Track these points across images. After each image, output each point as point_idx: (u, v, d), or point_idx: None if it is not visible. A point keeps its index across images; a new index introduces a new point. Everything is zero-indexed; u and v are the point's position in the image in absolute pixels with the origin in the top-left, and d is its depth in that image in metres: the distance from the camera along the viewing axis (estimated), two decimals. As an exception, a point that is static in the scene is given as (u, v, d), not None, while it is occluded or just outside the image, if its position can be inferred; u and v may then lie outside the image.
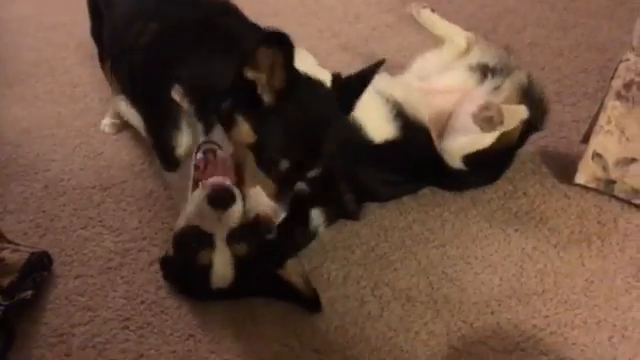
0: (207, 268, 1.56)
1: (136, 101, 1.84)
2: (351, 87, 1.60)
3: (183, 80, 1.63)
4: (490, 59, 2.10)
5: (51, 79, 2.59)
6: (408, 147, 1.91)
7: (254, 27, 1.75)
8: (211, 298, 1.63)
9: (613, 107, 1.90)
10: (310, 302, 1.64)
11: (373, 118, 1.90)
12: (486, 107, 1.77)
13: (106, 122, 2.30)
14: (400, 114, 1.92)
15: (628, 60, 1.85)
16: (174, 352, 1.56)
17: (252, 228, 1.56)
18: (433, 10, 2.29)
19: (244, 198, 1.57)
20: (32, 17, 3.05)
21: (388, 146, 1.89)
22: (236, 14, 1.85)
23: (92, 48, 2.61)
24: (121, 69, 1.90)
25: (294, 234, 1.76)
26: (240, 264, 1.57)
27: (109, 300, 1.68)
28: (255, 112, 1.50)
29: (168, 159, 1.80)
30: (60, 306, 1.66)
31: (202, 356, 1.54)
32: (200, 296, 1.64)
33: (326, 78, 1.57)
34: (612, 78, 1.90)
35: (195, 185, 1.61)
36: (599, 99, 2.15)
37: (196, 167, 1.62)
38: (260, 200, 1.54)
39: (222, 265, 1.56)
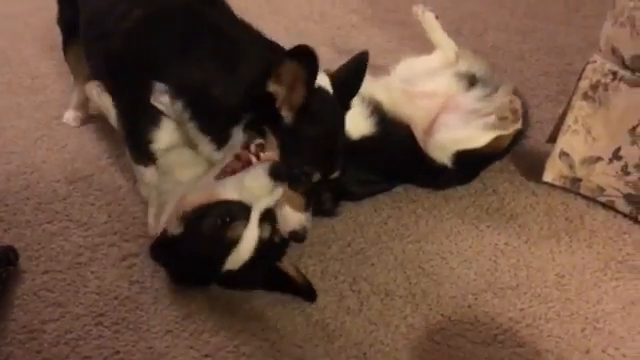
0: (232, 244, 1.53)
1: (111, 89, 1.77)
2: (347, 84, 1.63)
3: (178, 91, 1.58)
4: (477, 70, 2.15)
5: (8, 69, 2.49)
6: (386, 142, 1.92)
7: (243, 25, 1.71)
8: (207, 282, 1.61)
9: (580, 107, 1.95)
10: (307, 292, 1.65)
11: (348, 115, 1.90)
12: (514, 99, 1.88)
13: (69, 114, 2.23)
14: (377, 110, 1.93)
15: (595, 62, 1.91)
16: (151, 348, 1.51)
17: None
18: (437, 17, 2.35)
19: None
20: (-15, 6, 2.93)
21: (365, 142, 1.89)
22: (222, 4, 1.81)
23: (51, 39, 2.54)
24: (97, 53, 1.82)
25: None
26: (259, 247, 1.55)
27: (80, 296, 1.62)
28: (276, 127, 1.51)
29: (141, 152, 1.74)
30: (28, 302, 1.59)
31: (180, 352, 1.50)
32: (200, 280, 1.61)
33: (322, 78, 1.58)
34: (579, 79, 1.96)
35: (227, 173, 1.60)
36: (561, 101, 2.22)
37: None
38: (290, 218, 1.60)
39: (248, 243, 1.54)
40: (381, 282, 1.73)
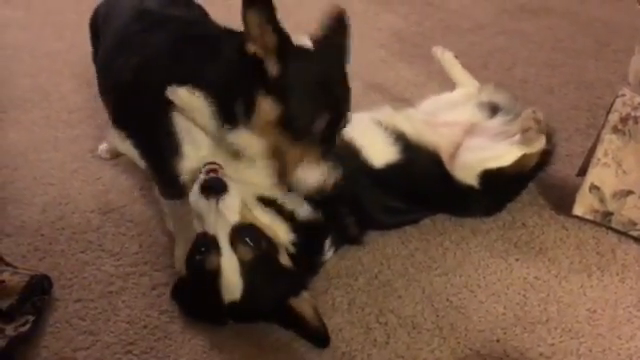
0: (216, 275, 1.52)
1: (130, 134, 1.82)
2: (333, 44, 1.61)
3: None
4: (499, 99, 2.17)
5: (47, 105, 2.58)
6: (412, 169, 1.93)
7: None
8: (224, 318, 1.60)
9: (610, 140, 1.94)
10: (318, 336, 1.59)
11: (372, 143, 1.92)
12: (536, 110, 1.88)
13: (103, 147, 2.28)
14: (401, 138, 1.95)
15: (624, 95, 1.90)
16: (179, 378, 1.53)
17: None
18: (456, 56, 2.41)
19: (292, 187, 1.59)
20: (27, 44, 3.05)
21: (390, 169, 1.90)
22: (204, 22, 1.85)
23: (88, 76, 2.62)
24: (109, 103, 1.87)
25: (313, 264, 1.77)
26: (247, 270, 1.53)
27: (111, 324, 1.65)
28: (270, 85, 1.48)
29: (172, 188, 1.77)
30: (61, 330, 1.63)
31: (208, 382, 1.52)
32: (214, 316, 1.61)
33: (305, 41, 1.57)
34: (608, 112, 1.95)
35: None
36: (591, 134, 2.21)
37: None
38: (310, 175, 1.55)
39: (229, 270, 1.52)
40: (408, 315, 1.72)
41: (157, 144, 1.71)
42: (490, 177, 1.91)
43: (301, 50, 1.52)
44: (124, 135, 1.80)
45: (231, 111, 1.54)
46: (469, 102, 2.19)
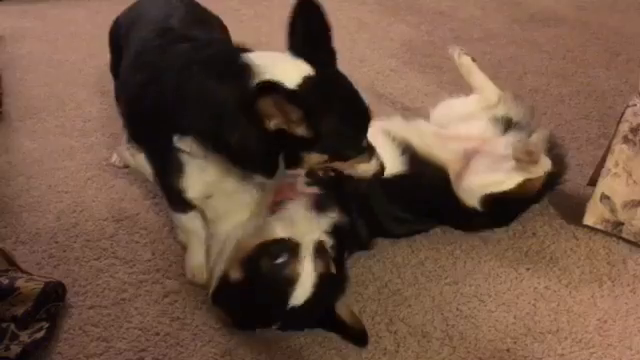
0: (292, 281, 1.56)
1: (141, 148, 1.85)
2: (314, 36, 1.55)
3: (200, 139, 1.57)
4: (515, 115, 2.15)
5: (62, 114, 2.61)
6: (418, 182, 1.94)
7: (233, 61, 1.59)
8: (267, 324, 1.63)
9: (620, 150, 1.94)
10: (359, 337, 1.64)
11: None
12: (528, 142, 1.87)
13: (117, 156, 2.31)
14: (408, 150, 1.96)
15: (635, 105, 1.91)
16: (190, 384, 1.54)
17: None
18: (474, 60, 2.33)
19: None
20: (42, 54, 3.09)
21: (397, 180, 1.90)
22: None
23: (102, 85, 2.67)
24: (123, 115, 1.91)
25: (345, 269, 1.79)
26: (319, 281, 1.58)
27: (123, 331, 1.67)
28: (307, 142, 1.48)
29: (177, 201, 1.79)
30: (74, 336, 1.65)
31: (219, 389, 1.53)
32: (259, 320, 1.63)
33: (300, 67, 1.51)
34: (619, 122, 1.96)
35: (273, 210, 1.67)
36: (602, 144, 2.21)
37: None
38: (366, 170, 1.61)
39: (307, 278, 1.57)
40: (418, 324, 1.73)
41: (162, 160, 1.73)
42: (493, 201, 1.91)
43: (317, 92, 1.47)
44: (137, 148, 1.84)
45: (253, 168, 1.56)
46: (484, 114, 2.17)
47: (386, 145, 1.95)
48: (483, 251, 1.99)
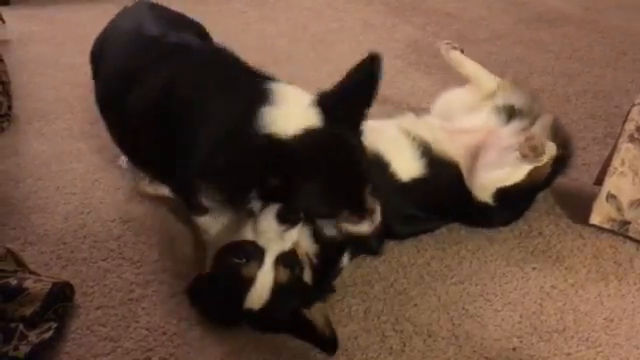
0: (248, 283, 1.57)
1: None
2: (356, 95, 1.60)
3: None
4: (516, 101, 2.15)
5: (70, 116, 2.63)
6: (435, 184, 1.94)
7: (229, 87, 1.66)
8: (236, 321, 1.64)
9: (626, 149, 1.94)
10: (327, 343, 1.59)
11: (400, 157, 1.94)
12: (532, 137, 1.86)
13: (124, 158, 2.32)
14: (427, 152, 1.97)
15: (640, 104, 1.91)
16: (197, 384, 1.55)
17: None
18: (462, 51, 2.36)
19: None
20: (50, 57, 3.12)
21: (415, 183, 1.92)
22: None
23: (110, 87, 2.68)
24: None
25: (329, 277, 1.80)
26: (276, 290, 1.58)
27: (131, 331, 1.68)
28: (279, 194, 1.51)
29: (195, 205, 1.78)
30: (82, 336, 1.66)
31: (225, 388, 1.54)
32: (226, 317, 1.65)
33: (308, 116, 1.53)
34: (625, 121, 1.95)
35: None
36: (608, 143, 2.21)
37: None
38: (357, 230, 1.63)
39: (262, 284, 1.58)
40: (424, 323, 1.73)
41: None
42: (505, 194, 1.91)
43: (307, 147, 1.49)
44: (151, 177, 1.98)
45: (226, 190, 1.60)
46: (485, 104, 2.18)
47: (406, 148, 1.97)
48: (489, 250, 1.99)
